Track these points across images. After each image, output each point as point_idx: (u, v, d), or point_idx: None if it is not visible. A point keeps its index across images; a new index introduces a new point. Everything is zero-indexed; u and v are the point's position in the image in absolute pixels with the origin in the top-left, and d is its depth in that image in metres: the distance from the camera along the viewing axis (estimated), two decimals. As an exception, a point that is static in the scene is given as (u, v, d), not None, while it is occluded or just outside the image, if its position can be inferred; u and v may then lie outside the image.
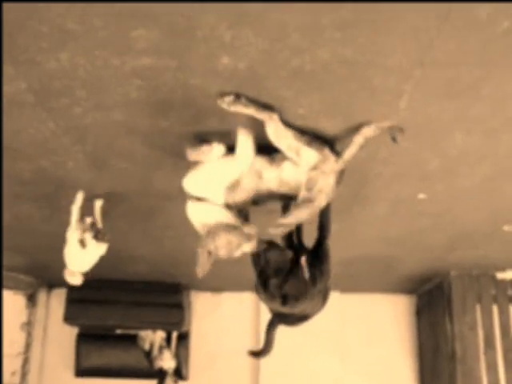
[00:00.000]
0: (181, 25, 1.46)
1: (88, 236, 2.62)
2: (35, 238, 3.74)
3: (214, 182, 2.02)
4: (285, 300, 2.28)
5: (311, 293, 2.31)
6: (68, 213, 3.03)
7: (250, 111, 1.80)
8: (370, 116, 1.94)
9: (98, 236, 2.65)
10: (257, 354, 3.04)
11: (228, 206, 2.03)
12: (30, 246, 3.95)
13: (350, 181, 2.23)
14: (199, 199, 2.06)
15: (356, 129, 1.98)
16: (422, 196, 2.71)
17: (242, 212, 2.09)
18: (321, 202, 2.02)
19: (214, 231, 1.99)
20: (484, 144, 2.19)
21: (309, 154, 1.96)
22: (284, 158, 2.00)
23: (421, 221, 3.08)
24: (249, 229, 1.99)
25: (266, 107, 1.83)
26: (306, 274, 2.29)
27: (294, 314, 2.42)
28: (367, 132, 1.92)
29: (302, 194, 2.01)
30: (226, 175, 2.02)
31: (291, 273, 2.29)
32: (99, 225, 2.70)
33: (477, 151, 2.26)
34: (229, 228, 1.99)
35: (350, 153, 1.93)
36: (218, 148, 2.00)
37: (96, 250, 2.70)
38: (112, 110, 1.91)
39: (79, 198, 2.61)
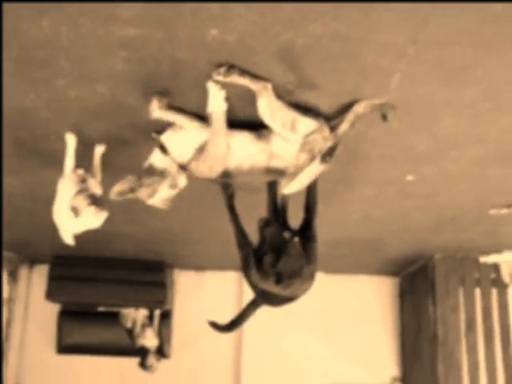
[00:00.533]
0: (168, -7, 1.41)
1: (83, 202, 2.13)
2: (17, 214, 3.67)
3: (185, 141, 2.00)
4: (279, 279, 2.26)
5: (305, 273, 2.29)
6: (50, 187, 2.98)
7: (245, 81, 1.76)
8: (360, 94, 1.91)
9: (97, 203, 2.16)
10: (219, 328, 2.96)
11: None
12: (12, 221, 3.89)
13: (338, 162, 2.19)
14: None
15: (345, 107, 1.96)
16: (409, 178, 2.69)
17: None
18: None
19: None
20: (474, 127, 2.17)
21: (306, 123, 1.95)
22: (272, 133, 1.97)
23: (407, 203, 3.07)
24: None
25: (260, 78, 1.79)
26: (302, 254, 2.27)
27: (281, 295, 2.39)
28: (358, 109, 1.90)
29: (301, 157, 2.00)
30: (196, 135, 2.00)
31: (286, 252, 2.27)
32: (98, 178, 2.26)
33: (466, 134, 2.24)
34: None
35: (341, 129, 1.91)
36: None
37: (92, 220, 2.18)
38: (96, 83, 1.85)
39: (71, 142, 2.19)
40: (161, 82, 1.85)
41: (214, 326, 2.90)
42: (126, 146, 2.40)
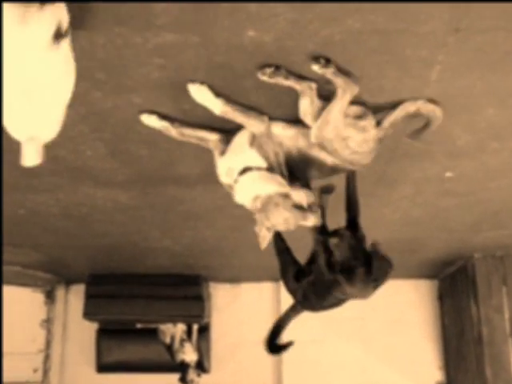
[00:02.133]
0: (205, -5, 1.39)
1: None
2: (52, 234, 3.69)
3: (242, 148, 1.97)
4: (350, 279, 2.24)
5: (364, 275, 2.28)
6: (85, 204, 2.99)
7: (290, 82, 1.75)
8: (400, 89, 1.87)
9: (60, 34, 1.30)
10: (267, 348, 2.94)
11: (271, 169, 1.95)
12: (47, 242, 3.91)
13: (377, 161, 2.16)
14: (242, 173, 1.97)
15: (387, 104, 1.93)
16: (449, 174, 2.63)
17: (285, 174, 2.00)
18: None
19: (266, 208, 1.90)
20: (516, 117, 2.11)
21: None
22: None
23: (447, 200, 3.00)
24: (298, 196, 1.90)
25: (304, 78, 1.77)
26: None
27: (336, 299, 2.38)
28: (409, 107, 1.89)
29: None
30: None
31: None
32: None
33: (508, 125, 2.18)
34: (282, 203, 1.89)
35: (388, 121, 1.90)
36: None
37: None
38: (132, 93, 1.84)
39: None
40: (197, 88, 1.83)
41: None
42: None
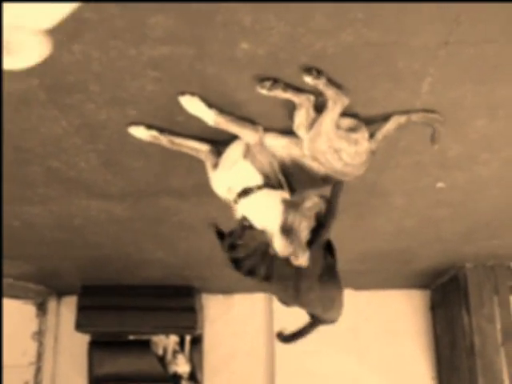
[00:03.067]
0: (200, 9, 1.41)
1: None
2: (44, 246, 3.68)
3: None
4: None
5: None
6: (78, 216, 2.99)
7: (288, 95, 1.77)
8: (391, 101, 1.89)
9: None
10: (282, 338, 2.92)
11: (269, 183, 1.96)
12: (39, 253, 3.90)
13: (369, 172, 2.17)
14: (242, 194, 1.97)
15: (376, 117, 1.96)
16: (440, 185, 2.66)
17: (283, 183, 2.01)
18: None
19: (292, 229, 1.90)
20: (507, 128, 2.13)
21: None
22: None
23: (438, 211, 3.02)
24: (311, 202, 1.91)
25: (302, 90, 1.79)
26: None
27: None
28: (413, 117, 1.92)
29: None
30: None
31: None
32: None
33: (499, 136, 2.20)
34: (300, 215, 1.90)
35: (381, 133, 1.93)
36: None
37: None
38: (126, 105, 1.85)
39: None
40: (191, 100, 1.84)
41: (280, 336, 2.91)
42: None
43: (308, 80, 1.71)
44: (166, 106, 1.87)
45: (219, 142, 2.05)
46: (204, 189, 2.22)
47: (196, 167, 2.24)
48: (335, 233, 2.49)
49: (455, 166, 2.48)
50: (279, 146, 1.97)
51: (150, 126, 1.99)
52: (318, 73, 1.70)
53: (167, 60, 1.61)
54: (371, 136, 1.96)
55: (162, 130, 2.00)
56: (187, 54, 1.58)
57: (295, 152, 1.96)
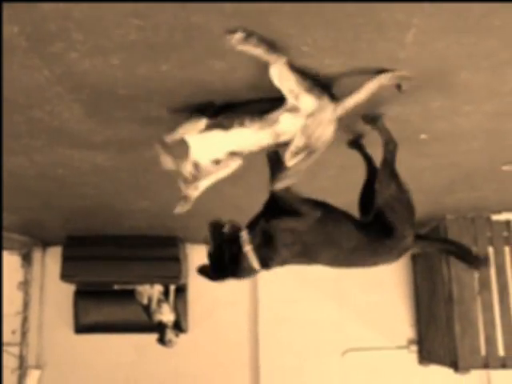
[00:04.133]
0: (183, -45, 1.39)
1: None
2: (28, 196, 3.68)
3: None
4: None
5: None
6: (61, 166, 2.98)
7: (258, 52, 1.74)
8: (375, 53, 1.89)
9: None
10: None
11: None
12: (24, 204, 3.90)
13: (350, 124, 2.19)
14: None
15: (360, 69, 1.95)
16: (423, 136, 2.68)
17: None
18: (320, 149, 2.03)
19: None
20: (490, 81, 2.14)
21: (307, 101, 1.94)
22: (278, 114, 2.00)
23: (421, 162, 3.06)
24: None
25: (275, 48, 1.77)
26: None
27: None
28: (383, 79, 1.91)
29: (298, 140, 2.00)
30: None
31: None
32: None
33: (482, 88, 2.21)
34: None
35: (355, 99, 1.92)
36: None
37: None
38: (110, 54, 1.83)
39: None
40: (175, 50, 1.83)
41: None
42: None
43: (233, 43, 1.67)
44: (149, 55, 1.85)
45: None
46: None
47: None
48: (319, 184, 2.52)
49: (438, 118, 2.50)
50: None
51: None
52: (248, 35, 1.67)
53: (150, 8, 1.59)
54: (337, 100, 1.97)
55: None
56: (170, 1, 1.56)
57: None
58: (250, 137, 2.04)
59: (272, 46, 1.77)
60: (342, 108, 1.97)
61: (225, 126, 2.04)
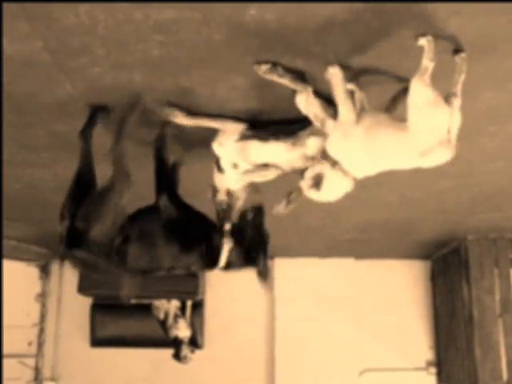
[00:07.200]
0: (207, -28, 1.38)
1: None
2: (47, 208, 3.69)
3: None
4: None
5: None
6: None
7: (284, 81, 1.78)
8: (399, 76, 1.87)
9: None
10: None
11: None
12: (42, 216, 3.91)
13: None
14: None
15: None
16: (445, 157, 2.64)
17: None
18: None
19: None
20: (514, 100, 2.12)
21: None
22: (306, 136, 2.02)
23: (442, 182, 3.02)
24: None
25: (301, 77, 1.80)
26: None
27: None
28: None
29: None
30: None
31: None
32: None
33: (506, 109, 2.19)
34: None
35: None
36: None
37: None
38: (132, 69, 1.84)
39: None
40: (199, 66, 1.82)
41: None
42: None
43: (260, 73, 1.73)
44: (172, 70, 1.85)
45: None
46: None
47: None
48: (339, 202, 2.50)
49: (461, 138, 2.46)
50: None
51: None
52: (273, 66, 1.71)
53: (173, 24, 1.59)
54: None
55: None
56: (194, 18, 1.56)
57: None
58: (284, 154, 2.06)
59: (299, 76, 1.78)
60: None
61: (262, 138, 2.06)
